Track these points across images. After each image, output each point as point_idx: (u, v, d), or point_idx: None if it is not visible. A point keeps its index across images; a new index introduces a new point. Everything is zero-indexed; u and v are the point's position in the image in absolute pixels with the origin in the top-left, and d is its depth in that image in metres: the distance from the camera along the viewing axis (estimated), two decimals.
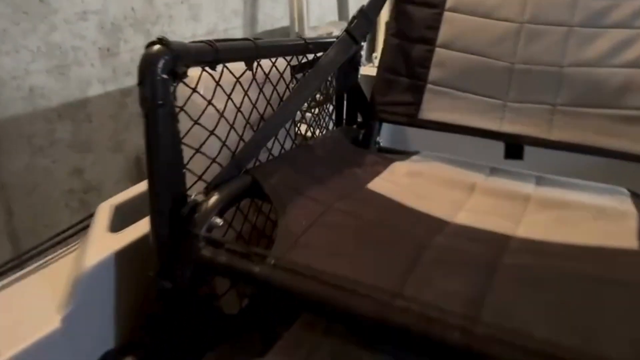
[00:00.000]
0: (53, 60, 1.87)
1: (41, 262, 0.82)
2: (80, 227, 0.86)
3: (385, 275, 0.65)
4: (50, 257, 0.84)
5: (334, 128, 1.21)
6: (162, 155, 0.68)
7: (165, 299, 0.73)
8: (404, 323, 0.59)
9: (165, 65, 0.65)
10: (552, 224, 0.84)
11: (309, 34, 2.83)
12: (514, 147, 1.04)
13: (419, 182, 0.98)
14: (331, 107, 1.18)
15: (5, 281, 0.75)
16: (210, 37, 2.29)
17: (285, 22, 3.06)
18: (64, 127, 1.96)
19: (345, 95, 1.19)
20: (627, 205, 0.90)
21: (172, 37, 2.13)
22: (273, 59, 0.91)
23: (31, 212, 1.92)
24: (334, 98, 1.18)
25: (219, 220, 0.73)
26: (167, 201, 0.70)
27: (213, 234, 0.73)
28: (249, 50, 0.80)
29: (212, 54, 0.72)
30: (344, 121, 1.21)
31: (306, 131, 1.12)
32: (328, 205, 0.81)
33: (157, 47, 0.64)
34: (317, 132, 1.13)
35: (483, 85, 1.05)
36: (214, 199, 0.74)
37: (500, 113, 1.04)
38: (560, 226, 0.83)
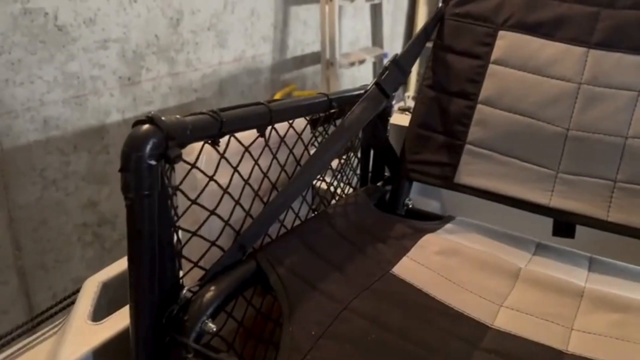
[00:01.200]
0: (70, 90, 1.80)
1: (18, 346, 0.72)
2: (69, 302, 0.76)
3: None
4: (29, 339, 0.73)
5: (358, 184, 1.09)
6: (147, 246, 0.57)
7: None
8: None
9: (153, 148, 0.53)
10: (610, 335, 0.70)
11: (341, 60, 2.73)
12: (565, 224, 0.90)
13: (453, 264, 0.84)
14: (356, 160, 1.06)
15: None
16: (238, 64, 2.19)
17: (316, 48, 2.97)
18: (79, 159, 1.89)
19: (372, 148, 1.07)
20: None
21: (198, 64, 2.04)
22: (291, 120, 0.79)
23: (41, 247, 1.84)
24: (359, 150, 1.06)
25: (211, 326, 0.61)
26: (150, 300, 0.59)
27: (205, 337, 0.61)
28: (262, 117, 0.69)
29: (216, 127, 0.61)
30: (370, 175, 1.08)
31: (327, 189, 1.00)
32: (344, 304, 0.68)
33: (145, 127, 0.53)
34: (339, 189, 1.01)
35: (531, 152, 0.91)
36: (209, 294, 0.63)
37: (550, 185, 0.89)
38: (620, 338, 0.69)
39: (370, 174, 1.09)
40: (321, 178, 0.97)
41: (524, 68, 0.93)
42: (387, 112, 1.04)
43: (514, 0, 0.95)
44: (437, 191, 1.23)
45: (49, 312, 0.74)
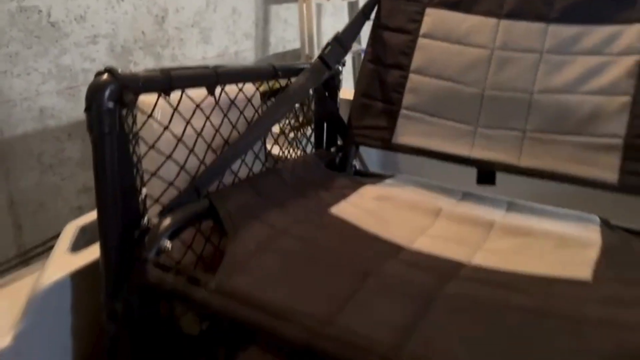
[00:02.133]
0: (63, 82, 1.95)
1: (4, 279, 0.86)
2: (49, 246, 0.90)
3: (324, 302, 0.66)
4: (14, 275, 0.87)
5: (313, 151, 1.22)
6: (110, 180, 0.71)
7: (117, 320, 0.75)
8: (329, 351, 0.60)
9: (111, 94, 0.68)
10: (510, 252, 0.83)
11: None
12: (486, 172, 1.04)
13: (385, 206, 0.98)
14: (310, 130, 1.20)
15: None
16: (221, 60, 2.34)
17: (297, 45, 3.10)
18: (73, 146, 2.03)
19: (324, 120, 1.21)
20: (593, 233, 0.88)
21: (183, 59, 2.20)
22: (240, 85, 0.94)
23: (40, 228, 1.98)
24: (313, 122, 1.20)
25: (167, 244, 0.75)
26: (115, 225, 0.72)
27: (166, 257, 0.75)
28: (208, 78, 0.83)
29: (165, 82, 0.75)
30: (324, 145, 1.22)
31: (279, 154, 1.13)
32: (283, 231, 0.82)
33: (104, 76, 0.68)
34: (294, 155, 1.15)
35: (454, 111, 1.05)
36: (165, 222, 0.77)
37: (471, 139, 1.03)
38: (518, 255, 0.82)
39: (324, 144, 1.23)
40: (276, 143, 1.11)
41: (447, 39, 1.07)
42: (335, 86, 1.18)
43: None
44: (393, 159, 1.37)
45: (36, 251, 0.88)
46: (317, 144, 1.21)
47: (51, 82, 1.90)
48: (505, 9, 1.03)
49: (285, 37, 3.04)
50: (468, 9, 1.06)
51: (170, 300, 0.79)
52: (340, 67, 1.16)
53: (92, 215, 0.92)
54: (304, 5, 2.77)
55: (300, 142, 1.16)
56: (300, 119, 1.16)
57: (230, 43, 2.67)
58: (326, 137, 1.22)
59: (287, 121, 1.13)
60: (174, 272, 0.72)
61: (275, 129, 1.10)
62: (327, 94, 1.16)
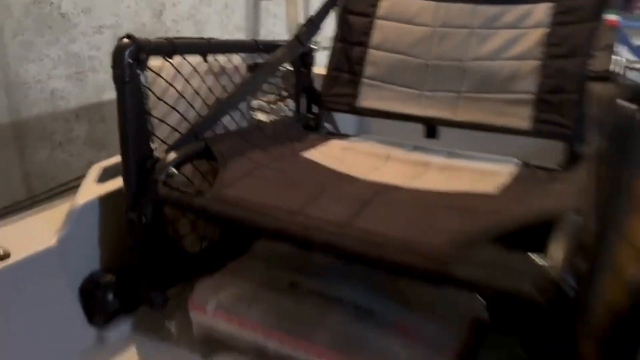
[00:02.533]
0: (72, 67, 2.18)
1: (44, 205, 1.09)
2: (77, 184, 1.13)
3: (291, 203, 0.89)
4: (52, 203, 1.10)
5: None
6: (129, 121, 0.94)
7: (133, 230, 0.99)
8: (297, 233, 0.83)
9: (130, 53, 0.91)
10: (440, 180, 1.07)
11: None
12: (431, 128, 1.28)
13: (347, 153, 1.22)
14: (291, 102, 1.43)
15: (16, 217, 1.02)
16: None
17: (286, 38, 3.33)
18: (81, 127, 2.26)
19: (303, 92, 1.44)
20: (509, 168, 1.12)
21: None
22: (229, 55, 1.17)
23: None
24: (293, 95, 1.43)
25: (174, 170, 0.98)
26: (134, 156, 0.96)
27: (172, 181, 0.99)
28: (203, 46, 1.07)
29: (169, 47, 0.98)
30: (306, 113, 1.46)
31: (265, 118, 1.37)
32: (263, 165, 1.06)
33: (125, 40, 0.91)
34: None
35: (405, 79, 1.29)
36: (171, 155, 1.00)
37: (418, 100, 1.27)
38: (443, 182, 1.06)
39: (307, 112, 1.46)
40: (261, 110, 1.34)
41: (399, 20, 1.31)
42: (310, 62, 1.41)
43: None
44: (367, 125, 1.61)
45: (69, 185, 1.11)
46: (297, 112, 1.45)
47: (61, 67, 2.13)
48: None
49: (275, 30, 3.27)
50: None
51: (174, 208, 1.02)
52: (314, 47, 1.40)
53: (112, 159, 1.15)
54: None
55: (282, 111, 1.40)
56: (282, 93, 1.40)
57: (223, 35, 2.89)
58: (306, 106, 1.45)
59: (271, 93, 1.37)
60: (177, 189, 0.95)
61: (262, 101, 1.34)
62: (304, 68, 1.40)
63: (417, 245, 0.75)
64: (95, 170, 1.10)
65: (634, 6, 5.88)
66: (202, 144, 1.07)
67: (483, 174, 1.09)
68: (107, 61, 2.36)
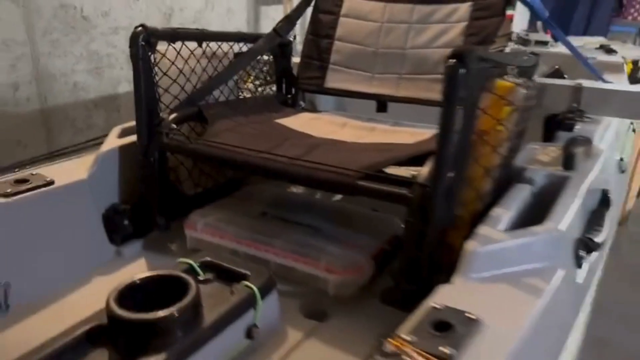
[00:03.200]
0: (92, 63, 2.53)
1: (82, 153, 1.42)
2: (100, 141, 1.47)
3: (262, 146, 1.22)
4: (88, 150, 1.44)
5: None
6: (141, 89, 1.28)
7: (144, 170, 1.32)
8: (266, 166, 1.16)
9: (143, 37, 1.25)
10: (376, 139, 1.40)
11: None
12: (381, 103, 1.61)
13: (313, 122, 1.55)
14: (275, 86, 1.77)
15: (59, 160, 1.36)
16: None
17: None
18: (99, 115, 2.61)
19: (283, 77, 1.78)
20: (433, 131, 1.44)
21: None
22: (220, 43, 1.51)
23: None
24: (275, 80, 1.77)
25: (174, 126, 1.31)
26: (145, 115, 1.30)
27: (173, 135, 1.32)
28: (198, 35, 1.41)
29: (172, 34, 1.33)
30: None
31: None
32: (243, 125, 1.39)
33: (139, 28, 1.25)
34: None
35: (360, 64, 1.62)
36: (172, 116, 1.34)
37: (370, 81, 1.61)
38: (380, 139, 1.39)
39: (285, 93, 1.80)
40: (248, 90, 1.68)
41: (357, 17, 1.65)
42: (289, 52, 1.75)
43: None
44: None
45: (96, 141, 1.45)
46: (278, 92, 1.78)
47: (82, 62, 2.49)
48: None
49: None
50: None
51: (175, 153, 1.35)
52: (292, 39, 1.74)
53: (128, 123, 1.48)
54: (288, 5, 3.35)
55: (267, 93, 1.74)
56: (267, 77, 1.73)
57: None
58: (285, 90, 1.79)
59: (255, 78, 1.71)
60: (176, 139, 1.29)
61: (249, 85, 1.67)
62: (284, 57, 1.74)
63: (338, 168, 1.09)
64: (116, 130, 1.44)
65: (627, 13, 6.23)
66: (196, 109, 1.40)
67: (412, 134, 1.41)
68: (122, 58, 2.74)
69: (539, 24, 2.98)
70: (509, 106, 1.03)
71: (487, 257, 0.91)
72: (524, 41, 2.75)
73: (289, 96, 1.76)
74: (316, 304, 1.17)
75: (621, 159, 1.42)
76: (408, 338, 0.73)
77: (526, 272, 0.91)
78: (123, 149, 1.37)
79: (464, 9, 1.51)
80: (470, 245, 0.92)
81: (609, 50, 2.53)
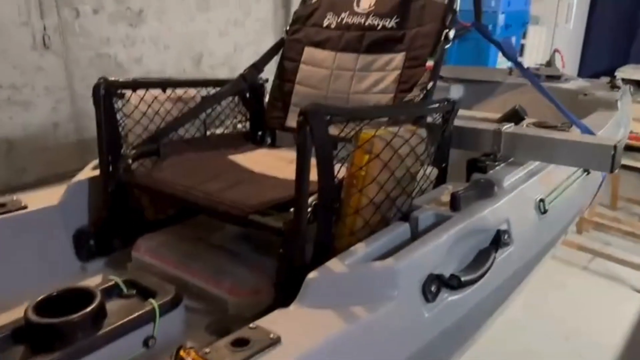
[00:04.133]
0: None
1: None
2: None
3: (190, 182, 1.42)
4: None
5: None
6: (102, 130, 1.53)
7: (105, 199, 1.57)
8: (192, 200, 1.36)
9: (104, 87, 1.50)
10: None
11: None
12: None
13: (265, 158, 1.73)
14: (248, 123, 1.98)
15: (38, 188, 1.64)
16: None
17: None
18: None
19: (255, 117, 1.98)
20: None
21: None
22: (186, 88, 1.75)
23: None
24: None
25: (131, 161, 1.55)
26: (106, 153, 1.54)
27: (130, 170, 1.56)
28: (160, 83, 1.65)
29: (133, 83, 1.58)
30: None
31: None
32: (190, 160, 1.60)
33: (100, 80, 1.51)
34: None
35: None
36: (132, 152, 1.58)
37: None
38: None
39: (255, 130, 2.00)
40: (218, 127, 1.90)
41: (313, 64, 1.82)
42: (262, 93, 1.95)
43: (310, 30, 1.85)
44: None
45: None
46: (250, 129, 1.99)
47: None
48: (339, 46, 1.77)
49: None
50: (323, 47, 1.81)
51: (129, 185, 1.58)
52: (264, 83, 1.94)
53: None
54: None
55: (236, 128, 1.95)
56: (236, 116, 1.95)
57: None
58: (255, 125, 1.99)
59: (232, 119, 1.93)
60: (129, 174, 1.53)
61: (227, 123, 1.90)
62: (255, 97, 1.94)
63: (239, 203, 1.26)
64: (92, 163, 1.70)
65: None
66: (155, 146, 1.64)
67: None
68: None
69: (556, 57, 2.96)
70: (368, 154, 1.16)
71: (323, 286, 1.04)
72: (535, 76, 2.75)
73: (260, 133, 1.96)
74: (223, 322, 1.34)
75: (541, 200, 1.47)
76: (205, 349, 0.89)
77: (357, 302, 1.03)
78: (93, 179, 1.63)
79: (399, 58, 1.64)
80: (311, 275, 1.05)
81: (614, 86, 2.48)
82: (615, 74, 4.48)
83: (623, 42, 5.19)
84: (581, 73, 5.12)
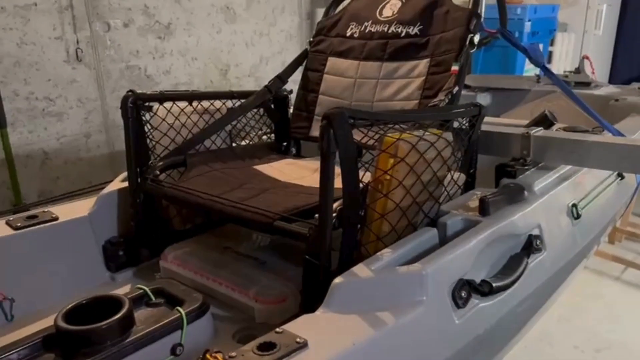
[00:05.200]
0: None
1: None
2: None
3: (216, 191, 1.43)
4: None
5: None
6: (131, 142, 1.56)
7: (134, 210, 1.59)
8: (223, 210, 1.37)
9: (131, 100, 1.53)
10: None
11: None
12: None
13: (289, 167, 1.73)
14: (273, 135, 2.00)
15: (71, 200, 1.67)
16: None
17: None
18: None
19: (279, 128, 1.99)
20: None
21: None
22: (212, 101, 1.77)
23: None
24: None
25: (158, 172, 1.57)
26: (134, 164, 1.57)
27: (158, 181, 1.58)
28: (186, 96, 1.67)
29: (159, 96, 1.60)
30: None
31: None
32: (216, 170, 1.62)
33: (128, 93, 1.54)
34: None
35: None
36: (159, 164, 1.60)
37: None
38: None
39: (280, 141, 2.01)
40: (246, 139, 1.91)
41: (336, 74, 1.83)
42: (287, 104, 1.97)
43: (333, 40, 1.86)
44: None
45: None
46: (275, 140, 2.00)
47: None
48: (362, 55, 1.77)
49: None
50: (346, 57, 1.81)
51: (157, 196, 1.60)
52: (288, 94, 1.96)
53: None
54: None
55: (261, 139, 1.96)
56: (262, 128, 1.96)
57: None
58: (280, 136, 2.00)
59: (257, 130, 1.94)
60: (156, 183, 1.54)
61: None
62: (279, 108, 1.95)
63: (265, 210, 1.26)
64: (122, 175, 1.73)
65: None
66: (182, 157, 1.66)
67: None
68: None
69: (585, 64, 2.91)
70: (393, 158, 1.15)
71: (350, 291, 1.03)
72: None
73: (284, 143, 1.97)
74: (250, 329, 1.33)
75: (574, 205, 1.43)
76: (232, 353, 0.88)
77: (384, 307, 1.01)
78: (122, 191, 1.65)
79: (423, 64, 1.63)
80: (337, 280, 1.04)
81: None
82: None
83: None
84: (613, 80, 5.00)
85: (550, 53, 4.29)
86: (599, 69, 4.69)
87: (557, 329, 2.39)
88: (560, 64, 4.21)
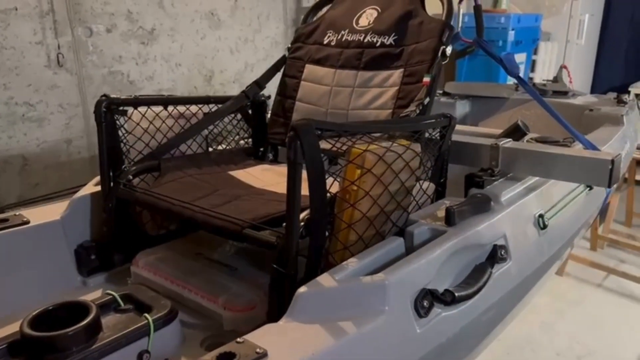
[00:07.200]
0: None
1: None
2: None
3: (188, 197, 1.43)
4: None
5: None
6: (104, 147, 1.56)
7: (106, 214, 1.59)
8: (188, 215, 1.37)
9: (105, 105, 1.53)
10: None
11: None
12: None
13: (265, 173, 1.74)
14: (251, 140, 2.00)
15: (41, 204, 1.67)
16: None
17: None
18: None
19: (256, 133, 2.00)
20: None
21: None
22: (188, 106, 1.77)
23: None
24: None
25: (131, 177, 1.57)
26: (106, 169, 1.57)
27: (130, 187, 1.58)
28: (160, 100, 1.68)
29: (133, 101, 1.60)
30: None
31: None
32: (190, 175, 1.62)
33: (102, 97, 1.54)
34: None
35: None
36: (132, 169, 1.60)
37: None
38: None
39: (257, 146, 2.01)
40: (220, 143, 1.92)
41: (313, 81, 1.84)
42: (264, 109, 1.97)
43: (311, 48, 1.87)
44: None
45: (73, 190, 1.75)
46: (252, 145, 2.00)
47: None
48: (339, 63, 1.79)
49: None
50: (323, 64, 1.83)
51: (128, 201, 1.60)
52: (266, 99, 1.96)
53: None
54: None
55: (238, 144, 1.97)
56: (239, 133, 1.97)
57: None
58: (257, 141, 2.00)
59: (234, 135, 1.95)
60: (129, 188, 1.54)
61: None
62: (257, 113, 1.96)
63: (234, 218, 1.27)
64: (95, 179, 1.73)
65: None
66: (156, 162, 1.66)
67: None
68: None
69: (563, 73, 2.94)
70: (360, 169, 1.16)
71: (313, 301, 1.04)
72: (541, 92, 2.74)
73: (261, 149, 1.97)
74: (219, 337, 1.34)
75: (540, 215, 1.45)
76: None
77: (346, 316, 1.02)
78: (95, 195, 1.65)
79: (397, 74, 1.65)
80: (301, 290, 1.05)
81: (620, 102, 2.46)
82: (630, 89, 4.44)
83: (637, 57, 5.14)
84: (595, 89, 5.06)
85: (534, 62, 4.33)
86: (580, 78, 4.75)
87: (539, 335, 2.42)
88: (544, 73, 4.26)
